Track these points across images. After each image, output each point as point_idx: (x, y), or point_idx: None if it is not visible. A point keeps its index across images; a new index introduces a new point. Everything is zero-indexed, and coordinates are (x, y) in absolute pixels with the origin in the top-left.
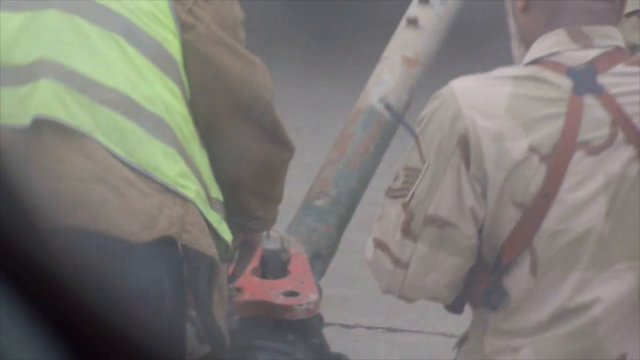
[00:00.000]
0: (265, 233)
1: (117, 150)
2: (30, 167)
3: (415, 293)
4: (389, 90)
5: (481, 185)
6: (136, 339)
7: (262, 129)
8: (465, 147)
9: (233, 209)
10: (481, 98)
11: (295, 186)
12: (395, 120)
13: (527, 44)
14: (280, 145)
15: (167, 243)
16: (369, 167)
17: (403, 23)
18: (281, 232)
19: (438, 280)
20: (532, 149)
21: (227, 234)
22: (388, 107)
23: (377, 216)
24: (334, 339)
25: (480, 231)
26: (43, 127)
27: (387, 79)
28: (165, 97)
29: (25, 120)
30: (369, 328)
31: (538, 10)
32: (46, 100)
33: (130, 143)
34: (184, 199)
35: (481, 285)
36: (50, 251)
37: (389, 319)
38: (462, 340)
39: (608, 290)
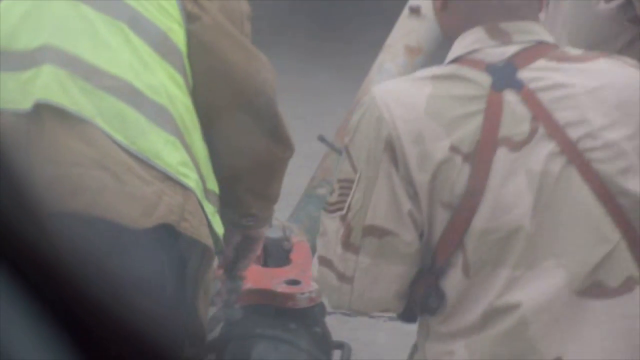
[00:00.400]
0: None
1: (118, 137)
2: (31, 151)
3: (364, 306)
4: (391, 79)
5: (412, 188)
6: (137, 325)
7: (263, 124)
8: (391, 151)
9: (227, 204)
10: (400, 101)
11: (297, 175)
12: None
13: (450, 41)
14: (280, 143)
15: (166, 231)
16: None
17: (406, 12)
18: (283, 220)
19: (385, 290)
20: (454, 149)
21: (219, 227)
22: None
23: (320, 233)
24: (336, 328)
25: (421, 235)
26: (44, 112)
27: (389, 67)
28: (168, 86)
29: (26, 104)
30: (370, 317)
31: (456, 9)
32: (48, 85)
33: (132, 130)
34: (184, 188)
35: (420, 289)
36: (50, 236)
37: None
38: (413, 351)
39: (537, 288)
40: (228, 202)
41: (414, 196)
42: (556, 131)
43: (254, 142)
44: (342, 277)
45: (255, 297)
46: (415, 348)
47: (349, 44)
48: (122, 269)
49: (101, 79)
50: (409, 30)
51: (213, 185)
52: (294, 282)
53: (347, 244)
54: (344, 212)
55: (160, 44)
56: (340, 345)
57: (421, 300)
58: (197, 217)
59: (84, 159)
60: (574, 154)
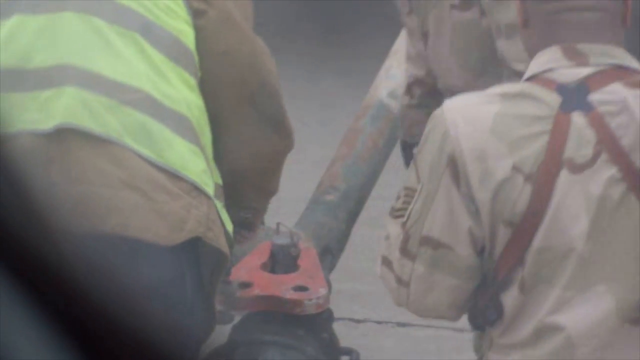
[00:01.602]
0: (275, 228)
1: (146, 152)
2: (52, 171)
3: (420, 311)
4: (398, 85)
5: (474, 205)
6: (158, 342)
7: (267, 118)
8: (454, 167)
9: (228, 197)
10: (467, 118)
11: (304, 181)
12: None
13: (531, 58)
14: (283, 136)
15: (188, 241)
16: (378, 161)
17: None
18: (290, 227)
19: (439, 300)
20: (516, 168)
21: (228, 224)
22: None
23: (385, 235)
24: (344, 334)
25: (483, 250)
26: (68, 134)
27: (396, 73)
28: (184, 92)
29: (47, 125)
30: (378, 322)
31: (536, 25)
32: (72, 107)
33: (158, 143)
34: (207, 197)
35: (481, 302)
36: (71, 256)
37: (398, 314)
38: (480, 358)
39: (585, 312)
40: (229, 195)
41: (474, 213)
42: (620, 157)
43: (259, 138)
44: (399, 280)
45: (262, 304)
46: (481, 356)
47: (355, 50)
48: (145, 280)
49: (123, 94)
50: None
51: (218, 177)
52: (302, 289)
53: (405, 250)
54: (404, 219)
55: (172, 49)
56: (349, 352)
57: (481, 312)
58: (217, 224)
59: (112, 179)
60: (634, 182)
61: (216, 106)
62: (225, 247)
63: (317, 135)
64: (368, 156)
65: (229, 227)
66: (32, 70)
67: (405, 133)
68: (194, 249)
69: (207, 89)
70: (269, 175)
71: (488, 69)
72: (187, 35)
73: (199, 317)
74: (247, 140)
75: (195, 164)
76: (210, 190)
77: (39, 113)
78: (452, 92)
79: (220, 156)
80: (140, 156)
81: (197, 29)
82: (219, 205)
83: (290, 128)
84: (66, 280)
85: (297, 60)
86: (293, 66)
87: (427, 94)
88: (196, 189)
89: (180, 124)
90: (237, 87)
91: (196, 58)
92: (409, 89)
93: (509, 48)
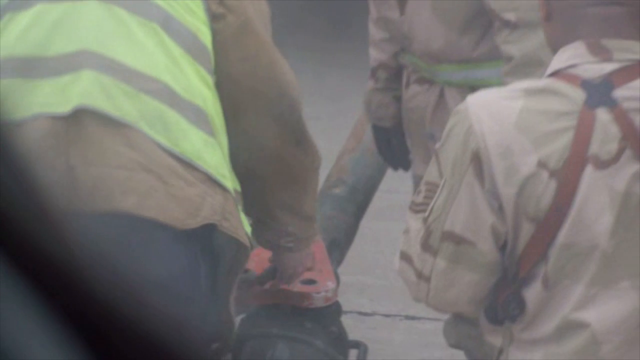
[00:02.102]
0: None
1: (162, 140)
2: (71, 153)
3: (440, 305)
4: None
5: (497, 201)
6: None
7: (286, 128)
8: (478, 164)
9: (261, 220)
10: (492, 113)
11: None
12: None
13: (553, 52)
14: (306, 149)
15: (202, 229)
16: None
17: None
18: None
19: (459, 295)
20: (541, 164)
21: (246, 225)
22: None
23: (404, 229)
24: (352, 327)
25: (504, 246)
26: (85, 115)
27: None
28: (201, 87)
29: (65, 108)
30: (386, 316)
31: (559, 19)
32: (90, 90)
33: (174, 132)
34: (223, 189)
35: (501, 297)
36: (84, 244)
37: (407, 307)
38: (498, 353)
39: (610, 308)
40: (264, 222)
41: (498, 209)
42: None
43: (278, 145)
44: (420, 275)
45: (271, 297)
46: (499, 351)
47: (362, 44)
48: (159, 270)
49: (141, 82)
50: None
51: (235, 184)
52: (310, 282)
53: (426, 245)
54: (426, 214)
55: (191, 46)
56: (357, 345)
57: (502, 307)
58: (235, 216)
59: (129, 162)
60: None
61: (235, 110)
62: (244, 239)
63: (323, 128)
64: (376, 149)
65: (247, 228)
66: (52, 57)
67: (373, 116)
68: (210, 241)
69: (226, 94)
70: (299, 194)
71: (471, 25)
72: (204, 34)
73: (213, 310)
74: (270, 153)
75: (210, 155)
76: (227, 183)
77: (56, 97)
78: (431, 55)
79: (243, 170)
80: (155, 142)
81: (215, 33)
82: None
83: (313, 143)
84: (77, 267)
85: (303, 54)
86: (299, 60)
87: (392, 77)
88: (211, 180)
89: (197, 115)
90: (256, 97)
91: (213, 58)
92: (373, 73)
93: None
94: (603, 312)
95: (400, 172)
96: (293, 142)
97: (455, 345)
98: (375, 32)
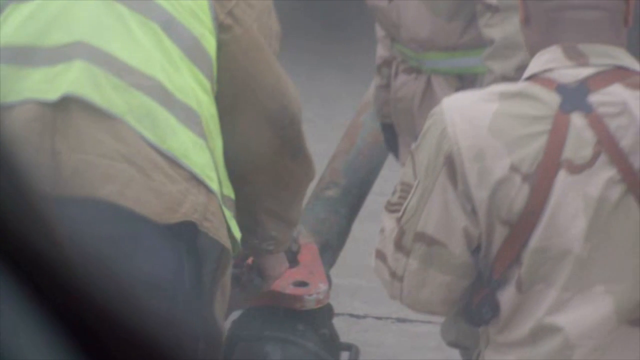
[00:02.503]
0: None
1: (148, 135)
2: (57, 139)
3: (413, 305)
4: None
5: (470, 204)
6: (152, 324)
7: (284, 141)
8: (451, 166)
9: (248, 228)
10: (466, 116)
11: None
12: None
13: (532, 56)
14: (299, 163)
15: (187, 229)
16: (378, 157)
17: None
18: None
19: (432, 295)
20: (514, 168)
21: (237, 231)
22: None
23: (380, 228)
24: (344, 329)
25: (478, 248)
26: (72, 104)
27: None
28: (197, 90)
29: (54, 95)
30: (378, 318)
31: (536, 22)
32: (80, 80)
33: (162, 129)
34: (208, 190)
35: (476, 299)
36: (68, 221)
37: (399, 310)
38: (476, 356)
39: (583, 313)
40: (248, 226)
41: (470, 212)
42: (619, 158)
43: (276, 159)
44: (393, 274)
45: (263, 299)
46: (477, 353)
47: (356, 46)
48: (142, 264)
49: (134, 77)
50: None
51: (229, 191)
52: (302, 284)
53: (399, 245)
54: (400, 214)
55: (192, 49)
56: (348, 347)
57: (477, 309)
58: (218, 218)
59: (111, 151)
60: (634, 183)
61: (234, 121)
62: (226, 241)
63: (318, 130)
64: (369, 152)
65: (237, 234)
66: (47, 47)
67: (378, 114)
68: (194, 242)
69: (226, 102)
70: (287, 202)
71: (458, 12)
72: (208, 41)
73: (197, 311)
74: (263, 162)
75: (197, 155)
76: (214, 185)
77: (47, 84)
78: (418, 43)
79: (236, 179)
80: (140, 136)
81: (221, 44)
82: (227, 213)
83: (310, 157)
84: (59, 254)
85: (298, 56)
86: (293, 62)
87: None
88: (195, 179)
89: (188, 116)
90: (257, 110)
91: (214, 66)
92: (379, 70)
93: None
94: (577, 316)
95: (393, 175)
96: (289, 156)
97: (454, 344)
98: (379, 29)
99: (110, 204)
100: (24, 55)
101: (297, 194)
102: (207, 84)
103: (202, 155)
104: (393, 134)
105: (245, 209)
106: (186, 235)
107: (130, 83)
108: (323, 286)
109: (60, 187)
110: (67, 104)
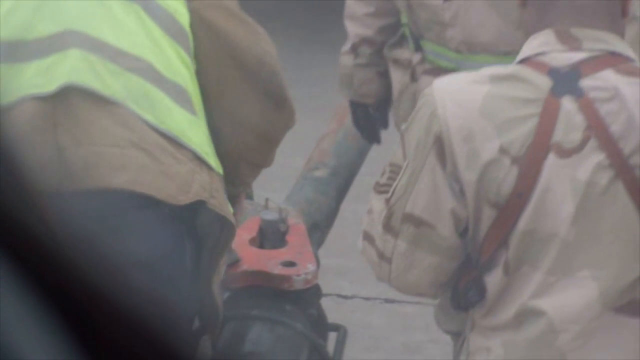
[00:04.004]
0: (264, 204)
1: (149, 117)
2: (59, 133)
3: (402, 287)
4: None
5: (458, 185)
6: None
7: (268, 96)
8: (440, 147)
9: (227, 179)
10: (456, 98)
11: (294, 157)
12: None
13: (527, 38)
14: (285, 113)
15: (188, 211)
16: None
17: None
18: (279, 202)
19: (420, 277)
20: (503, 150)
21: (229, 206)
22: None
23: (367, 209)
24: (332, 310)
25: (466, 230)
26: (72, 94)
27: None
28: (181, 67)
29: (50, 87)
30: (366, 299)
31: (533, 5)
32: (77, 68)
33: (160, 110)
34: (209, 167)
35: (462, 282)
36: (75, 216)
37: (386, 290)
38: (462, 339)
39: (567, 297)
40: (227, 178)
41: (459, 193)
42: (609, 143)
43: (260, 118)
44: (381, 255)
45: (251, 279)
46: (462, 336)
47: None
48: (145, 247)
49: (126, 61)
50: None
51: (218, 167)
52: (290, 264)
53: (388, 226)
54: (388, 195)
55: (170, 26)
56: (336, 328)
57: (463, 292)
58: (221, 194)
59: (120, 140)
60: (622, 169)
61: (216, 89)
62: (231, 217)
63: (306, 109)
64: (357, 133)
65: (230, 209)
66: (35, 40)
67: (355, 93)
68: (193, 222)
69: (209, 72)
70: (266, 153)
71: None
72: (182, 15)
73: (195, 291)
74: (248, 121)
75: (194, 133)
76: (212, 161)
77: (41, 77)
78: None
79: (220, 143)
80: (143, 120)
81: (192, 11)
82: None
83: (292, 105)
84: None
85: (287, 34)
86: (283, 41)
87: (376, 52)
88: (197, 158)
89: (179, 94)
90: (237, 68)
91: (191, 38)
92: (354, 49)
93: None
94: (561, 301)
95: (381, 156)
96: (273, 110)
97: (456, 332)
98: (356, 6)
99: (126, 191)
100: (12, 51)
101: (276, 142)
102: (188, 60)
103: (198, 132)
104: (366, 113)
105: (227, 163)
106: (187, 216)
107: (125, 67)
108: (311, 267)
109: (70, 182)
110: (66, 94)
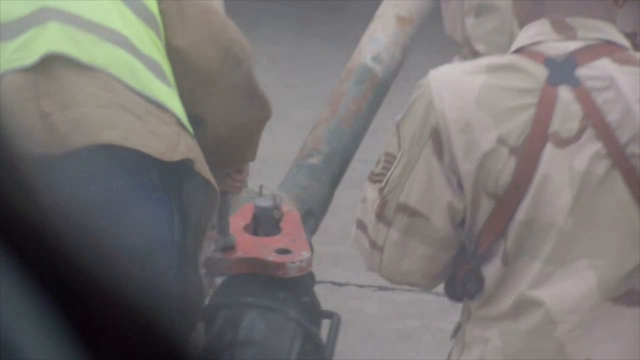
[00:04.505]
0: (258, 190)
1: (132, 84)
2: (44, 103)
3: (393, 277)
4: (382, 49)
5: (456, 177)
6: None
7: (237, 87)
8: (437, 139)
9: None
10: (453, 88)
11: (288, 143)
12: None
13: (521, 28)
14: (258, 104)
15: (173, 182)
16: (361, 125)
17: None
18: (273, 189)
19: (412, 267)
20: (501, 141)
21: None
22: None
23: (362, 198)
24: (325, 297)
25: (462, 222)
26: (54, 64)
27: (380, 37)
28: (153, 46)
29: (31, 59)
30: (360, 286)
31: None
32: (57, 38)
33: (142, 79)
34: (190, 134)
35: (460, 274)
36: (63, 178)
37: (380, 278)
38: (456, 329)
39: (565, 287)
40: (210, 163)
41: (456, 185)
42: (605, 133)
43: (231, 104)
44: (373, 244)
45: (245, 266)
46: (458, 326)
47: (341, 13)
48: (138, 219)
49: (105, 33)
50: (400, 1)
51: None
52: (285, 251)
53: (381, 216)
54: (382, 184)
55: (142, 12)
56: (330, 315)
57: (461, 284)
58: (204, 161)
59: (106, 101)
60: (619, 158)
61: (206, 83)
62: (214, 181)
63: (301, 97)
64: (352, 119)
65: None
66: (12, 21)
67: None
68: (180, 195)
69: (174, 59)
70: (247, 144)
71: None
72: (151, 4)
73: (180, 269)
74: (223, 111)
75: (173, 103)
76: (190, 130)
77: (21, 51)
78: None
79: (201, 128)
80: (126, 85)
81: (164, 13)
82: None
83: (265, 96)
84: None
85: (282, 23)
86: (278, 29)
87: None
88: (180, 123)
89: (155, 67)
90: (201, 59)
91: (161, 25)
92: None
93: (477, 27)
94: (558, 291)
95: (376, 143)
96: (245, 99)
97: None
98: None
99: (116, 147)
100: None
101: (256, 135)
102: (159, 43)
103: (176, 103)
104: None
105: (210, 151)
106: (173, 185)
107: (103, 37)
108: (306, 254)
109: (60, 143)
110: (48, 64)
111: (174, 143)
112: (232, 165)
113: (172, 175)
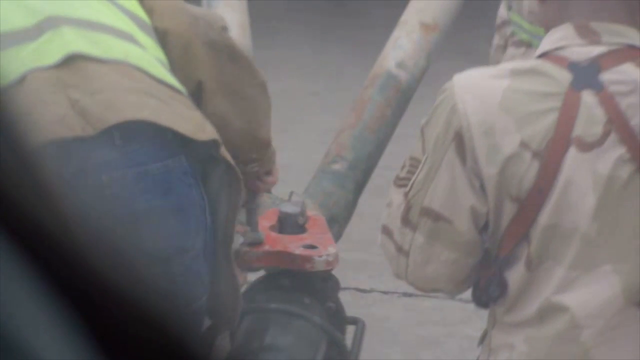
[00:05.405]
0: (287, 197)
1: (153, 72)
2: (71, 92)
3: (418, 281)
4: (406, 55)
5: (479, 180)
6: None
7: (214, 45)
8: (460, 143)
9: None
10: (477, 92)
11: (312, 150)
12: None
13: (546, 33)
14: (243, 66)
15: (203, 171)
16: (385, 131)
17: None
18: (298, 195)
19: (437, 272)
20: (524, 145)
21: None
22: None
23: (387, 203)
24: (350, 303)
25: (486, 226)
26: (76, 62)
27: (404, 43)
28: (153, 47)
29: (52, 59)
30: (384, 293)
31: (552, 2)
32: (75, 40)
33: (158, 69)
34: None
35: (483, 278)
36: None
37: (404, 284)
38: (483, 336)
39: (590, 292)
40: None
41: (479, 189)
42: (629, 137)
43: (222, 69)
44: (399, 249)
45: (273, 259)
46: (485, 333)
47: (363, 20)
48: (175, 205)
49: (114, 32)
50: (424, 6)
51: None
52: (311, 247)
53: (406, 220)
54: (407, 189)
55: (134, 18)
56: (354, 321)
57: (484, 288)
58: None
59: (132, 88)
60: None
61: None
62: (236, 168)
63: (323, 104)
64: (376, 126)
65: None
66: (19, 30)
67: None
68: (205, 181)
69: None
70: (249, 116)
71: None
72: (138, 9)
73: (214, 269)
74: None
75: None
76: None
77: (40, 53)
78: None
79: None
80: (148, 74)
81: (157, 30)
82: None
83: (250, 60)
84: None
85: (306, 31)
86: (301, 36)
87: None
88: (199, 111)
89: (163, 64)
90: (174, 29)
91: (148, 22)
92: (498, 30)
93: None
94: (584, 296)
95: (399, 149)
96: (226, 59)
97: None
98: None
99: (150, 123)
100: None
101: (256, 105)
102: (153, 45)
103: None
104: None
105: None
106: (200, 172)
107: (115, 35)
108: (332, 249)
109: (92, 125)
110: (70, 63)
111: (201, 124)
112: (247, 149)
113: (197, 164)
